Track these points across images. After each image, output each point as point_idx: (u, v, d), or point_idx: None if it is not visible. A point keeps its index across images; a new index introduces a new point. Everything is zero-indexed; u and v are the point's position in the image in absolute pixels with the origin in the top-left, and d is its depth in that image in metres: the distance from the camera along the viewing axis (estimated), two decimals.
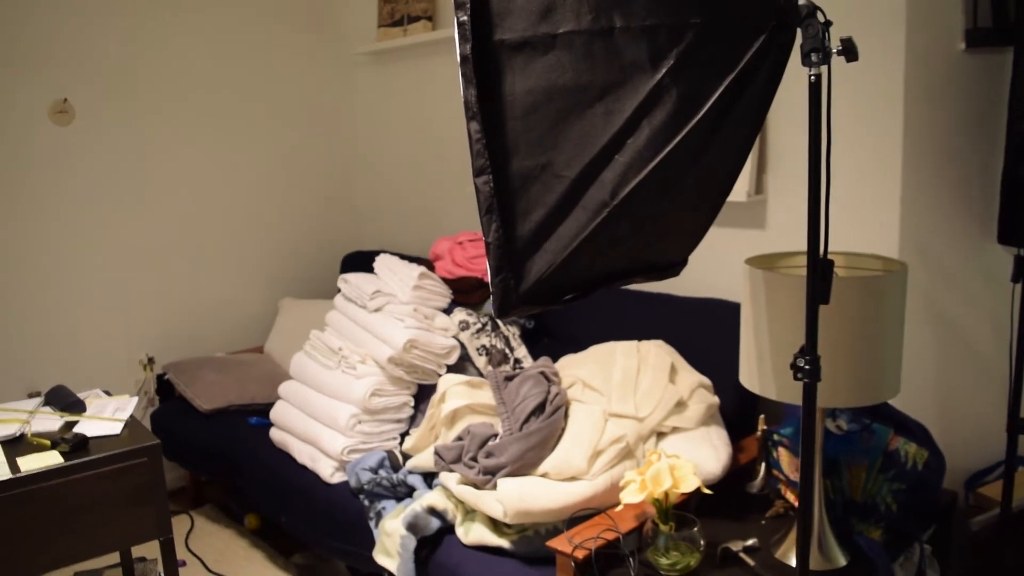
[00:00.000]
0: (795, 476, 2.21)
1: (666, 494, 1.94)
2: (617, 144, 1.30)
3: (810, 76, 1.32)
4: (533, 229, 1.31)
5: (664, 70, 1.29)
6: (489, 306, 2.97)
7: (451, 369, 2.78)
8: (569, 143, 1.30)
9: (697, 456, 2.19)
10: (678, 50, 1.29)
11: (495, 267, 1.31)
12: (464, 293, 2.97)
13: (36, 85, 3.35)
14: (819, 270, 1.37)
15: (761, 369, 1.88)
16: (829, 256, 1.45)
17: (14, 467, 2.06)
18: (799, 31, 1.32)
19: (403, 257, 3.80)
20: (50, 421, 2.38)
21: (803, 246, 2.46)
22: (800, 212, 2.63)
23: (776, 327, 1.82)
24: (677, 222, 1.51)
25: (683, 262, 1.65)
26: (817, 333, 1.40)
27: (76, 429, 2.29)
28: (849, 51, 1.31)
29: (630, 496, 1.95)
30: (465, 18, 1.28)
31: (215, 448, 3.16)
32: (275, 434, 2.94)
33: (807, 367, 1.39)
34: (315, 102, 4.21)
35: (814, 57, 1.30)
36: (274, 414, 2.94)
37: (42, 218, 3.41)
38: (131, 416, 2.41)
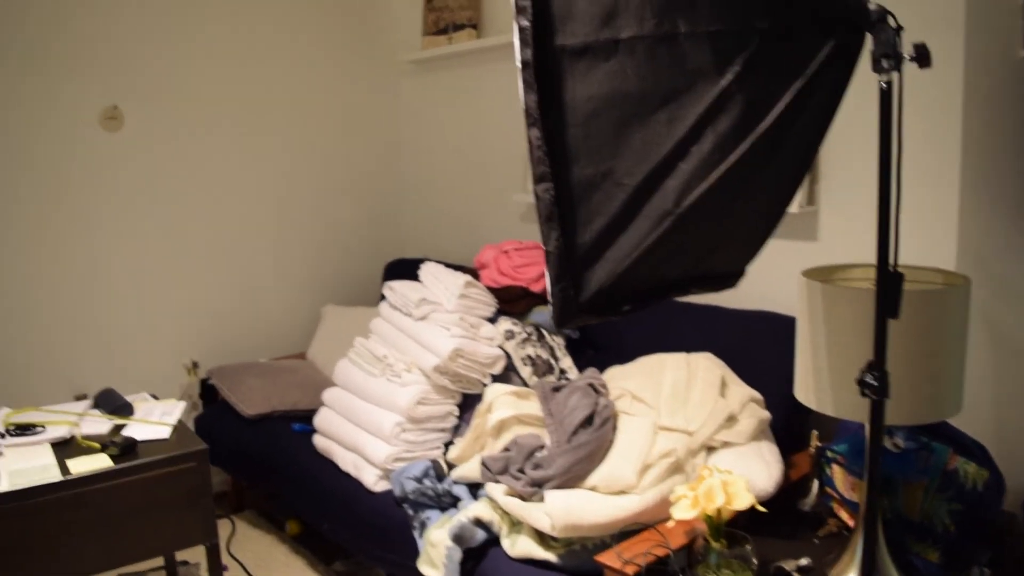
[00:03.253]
0: (850, 494, 2.16)
1: (718, 511, 1.90)
2: (681, 152, 1.27)
3: (881, 83, 1.28)
4: (594, 238, 1.29)
5: (730, 76, 1.26)
6: (534, 315, 2.94)
7: (496, 379, 2.76)
8: (631, 151, 1.27)
9: (749, 472, 2.14)
10: (744, 56, 1.26)
11: (555, 276, 1.28)
12: (509, 302, 2.95)
13: (87, 92, 3.38)
14: (889, 283, 1.33)
15: (818, 384, 1.84)
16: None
17: (64, 469, 2.07)
18: (869, 36, 1.29)
19: (447, 265, 3.80)
20: (99, 424, 2.39)
21: (857, 257, 2.41)
22: (853, 223, 2.58)
23: (835, 342, 1.77)
24: (738, 232, 1.48)
25: (741, 273, 1.62)
26: (886, 348, 1.36)
27: (125, 432, 2.30)
28: (922, 57, 1.27)
29: (682, 512, 1.91)
30: (526, 23, 1.26)
31: (258, 453, 3.16)
32: (318, 441, 2.93)
33: (875, 383, 1.35)
34: (360, 110, 4.22)
35: (885, 63, 1.26)
36: (318, 421, 2.94)
37: (91, 222, 3.44)
38: (179, 420, 2.41)
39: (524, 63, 1.27)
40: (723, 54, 1.26)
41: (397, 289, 2.92)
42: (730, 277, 1.60)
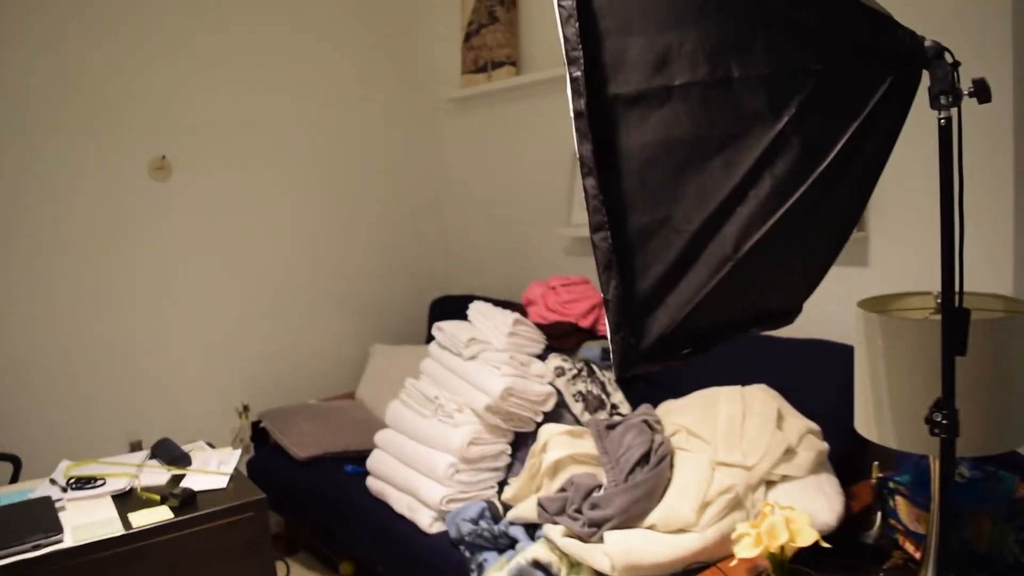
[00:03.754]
0: (915, 526, 2.11)
1: (782, 548, 1.87)
2: (738, 196, 1.26)
3: (940, 119, 1.27)
4: (653, 285, 1.28)
5: (785, 119, 1.25)
6: (584, 351, 2.93)
7: (548, 416, 2.75)
8: (688, 197, 1.27)
9: (810, 506, 2.11)
10: (799, 98, 1.25)
11: (614, 324, 1.28)
12: (558, 338, 2.94)
13: (136, 144, 3.46)
14: (955, 320, 1.31)
15: (879, 417, 1.81)
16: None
17: (126, 522, 2.09)
18: (925, 72, 1.28)
19: (494, 302, 3.80)
20: (158, 475, 2.42)
21: (910, 283, 2.38)
22: (905, 248, 2.55)
23: (896, 374, 1.75)
24: (796, 270, 1.46)
25: (799, 309, 1.60)
26: (954, 386, 1.33)
27: (183, 483, 2.32)
28: (982, 92, 1.25)
29: (745, 550, 1.89)
30: (578, 73, 1.26)
31: (311, 495, 3.18)
32: (372, 483, 2.94)
33: (944, 422, 1.33)
34: (403, 147, 4.26)
35: (943, 99, 1.25)
36: (371, 463, 2.95)
37: (141, 270, 3.50)
38: (235, 469, 2.43)
39: (577, 113, 1.27)
40: (778, 97, 1.25)
41: (446, 329, 2.93)
42: (788, 314, 1.59)
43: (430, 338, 4.03)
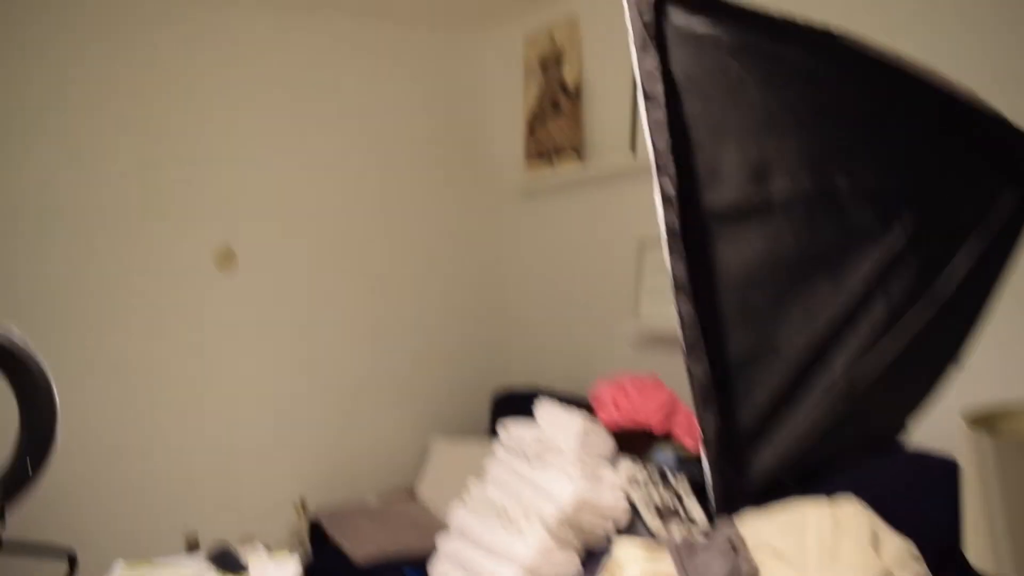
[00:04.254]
0: None
1: None
2: (847, 319, 1.15)
3: None
4: (756, 417, 1.17)
5: (899, 235, 1.14)
6: (657, 455, 2.79)
7: (620, 529, 2.59)
8: (792, 319, 1.16)
9: None
10: (913, 212, 1.15)
11: (713, 462, 1.16)
12: (630, 443, 2.80)
13: (201, 231, 3.46)
14: None
15: (996, 546, 1.63)
16: None
17: None
18: None
19: (559, 398, 3.68)
20: None
21: (1012, 387, 2.20)
22: (1005, 349, 2.38)
23: (1014, 502, 1.58)
24: (907, 395, 1.34)
25: (905, 429, 1.47)
26: None
27: None
28: None
29: None
30: (670, 187, 1.17)
31: None
32: None
33: None
34: (464, 236, 4.22)
35: None
36: (434, 572, 2.81)
37: (199, 362, 3.47)
38: None
39: (670, 230, 1.18)
40: (889, 211, 1.15)
41: (512, 430, 2.81)
42: (895, 436, 1.46)
43: (492, 431, 3.92)
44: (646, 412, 2.80)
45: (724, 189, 1.17)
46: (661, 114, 1.18)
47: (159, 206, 3.37)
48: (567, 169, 3.68)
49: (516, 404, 3.84)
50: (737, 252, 1.17)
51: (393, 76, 3.98)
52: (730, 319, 1.17)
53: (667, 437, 2.86)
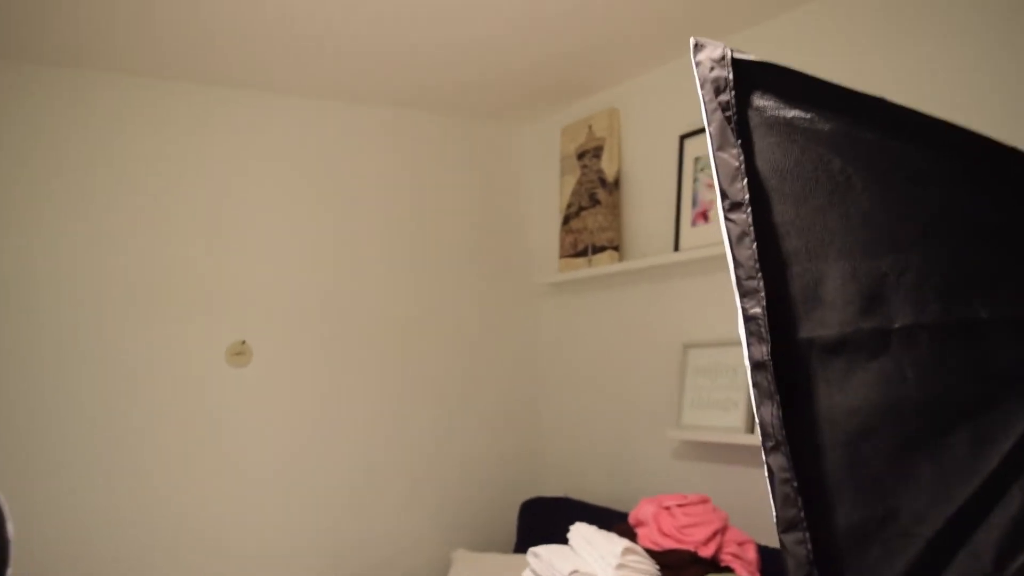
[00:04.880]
0: None
1: None
2: (995, 488, 0.89)
3: None
4: None
5: None
6: None
7: None
8: (920, 486, 0.90)
9: None
10: None
11: None
12: (674, 569, 2.50)
13: (214, 328, 3.29)
14: None
15: None
16: None
17: None
18: None
19: (591, 509, 3.39)
20: None
21: None
22: None
23: None
24: None
25: None
26: None
27: None
28: None
29: None
30: (758, 310, 0.93)
31: None
32: None
33: None
34: (495, 333, 3.98)
35: None
36: None
37: (214, 461, 3.26)
38: None
39: (757, 364, 0.93)
40: None
41: (544, 556, 2.52)
42: None
43: (519, 545, 3.63)
44: (694, 537, 2.51)
45: (827, 315, 0.93)
46: (746, 221, 0.95)
47: (172, 302, 3.21)
48: (605, 264, 3.46)
49: (546, 513, 3.57)
50: (846, 396, 0.92)
51: (426, 165, 3.84)
52: (837, 483, 0.91)
53: (716, 566, 2.56)
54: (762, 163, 0.97)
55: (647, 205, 3.43)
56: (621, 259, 3.48)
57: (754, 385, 0.94)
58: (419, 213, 3.80)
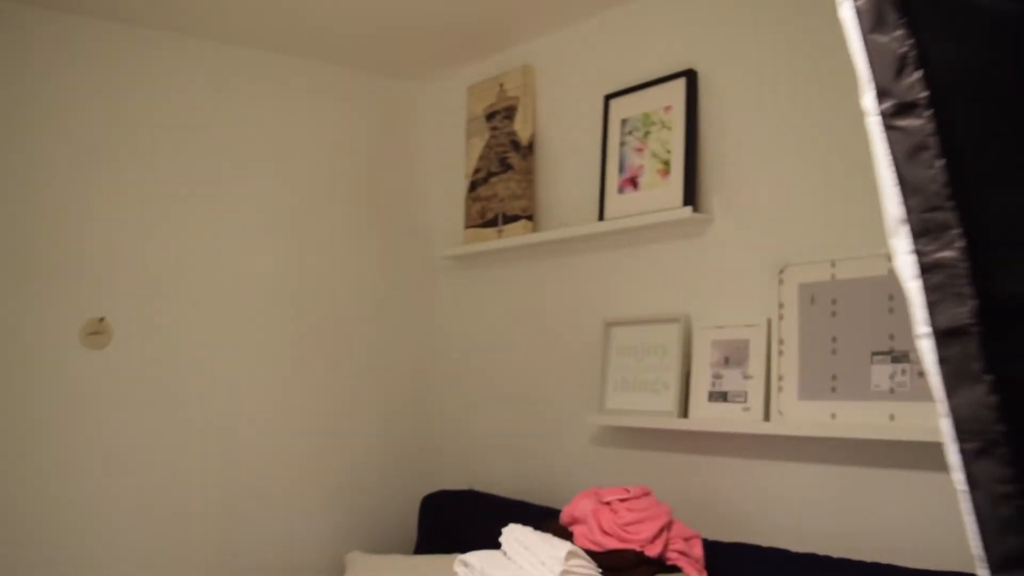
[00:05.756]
0: None
1: None
2: None
3: None
4: None
5: None
6: None
7: None
8: None
9: None
10: None
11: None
12: (619, 572, 2.24)
13: (66, 304, 2.86)
14: None
15: None
16: None
17: None
18: None
19: (502, 503, 3.11)
20: None
21: None
22: None
23: None
24: None
25: None
26: None
27: None
28: None
29: None
30: (952, 254, 0.66)
31: None
32: None
33: None
34: (390, 313, 3.64)
35: None
36: None
37: (71, 452, 2.87)
38: None
39: (949, 331, 0.66)
40: None
41: (474, 565, 2.21)
42: None
43: (421, 545, 3.31)
44: (639, 534, 2.27)
45: None
46: (923, 128, 0.67)
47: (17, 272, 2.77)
48: (518, 235, 3.17)
49: (450, 508, 3.28)
50: None
51: (314, 121, 3.46)
52: None
53: (663, 565, 2.32)
54: (935, 52, 0.69)
55: (566, 171, 3.16)
56: (535, 229, 3.19)
57: (941, 362, 0.67)
58: (305, 175, 3.42)
